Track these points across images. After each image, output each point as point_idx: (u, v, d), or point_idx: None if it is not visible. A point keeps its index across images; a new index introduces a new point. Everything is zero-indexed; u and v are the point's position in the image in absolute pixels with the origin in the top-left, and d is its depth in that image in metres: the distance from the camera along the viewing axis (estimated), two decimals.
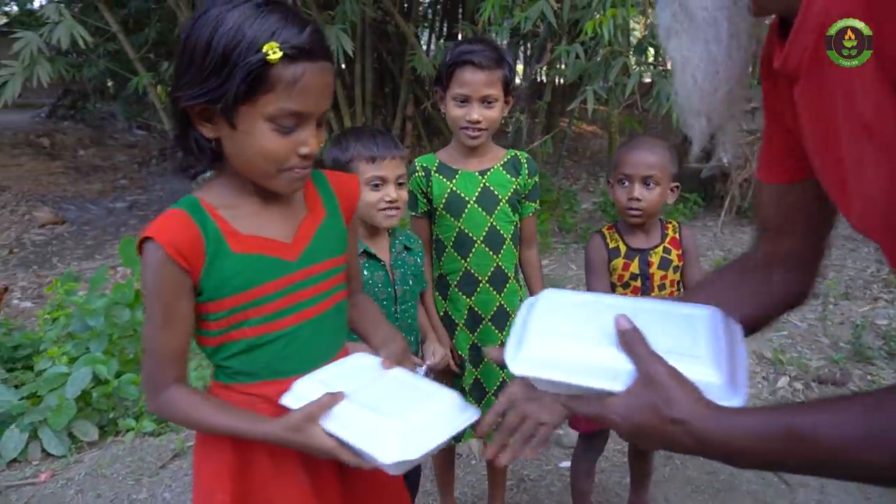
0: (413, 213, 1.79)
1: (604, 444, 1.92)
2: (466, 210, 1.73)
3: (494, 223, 1.74)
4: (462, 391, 1.80)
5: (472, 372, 1.80)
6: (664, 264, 1.71)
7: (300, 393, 0.99)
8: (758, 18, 0.77)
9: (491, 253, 1.76)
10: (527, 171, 1.79)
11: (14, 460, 2.48)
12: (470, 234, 1.74)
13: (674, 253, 1.72)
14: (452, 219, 1.74)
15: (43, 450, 2.50)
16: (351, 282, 1.18)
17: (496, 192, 1.74)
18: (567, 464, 2.33)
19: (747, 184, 5.59)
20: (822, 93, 0.70)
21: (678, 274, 1.73)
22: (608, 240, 1.76)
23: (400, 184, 1.56)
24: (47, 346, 3.10)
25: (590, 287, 1.79)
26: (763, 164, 0.94)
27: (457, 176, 1.74)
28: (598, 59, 4.18)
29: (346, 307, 1.16)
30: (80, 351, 2.99)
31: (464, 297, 1.77)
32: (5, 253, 6.46)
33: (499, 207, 1.74)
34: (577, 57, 4.22)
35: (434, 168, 1.75)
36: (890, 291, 4.08)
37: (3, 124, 9.84)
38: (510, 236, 1.77)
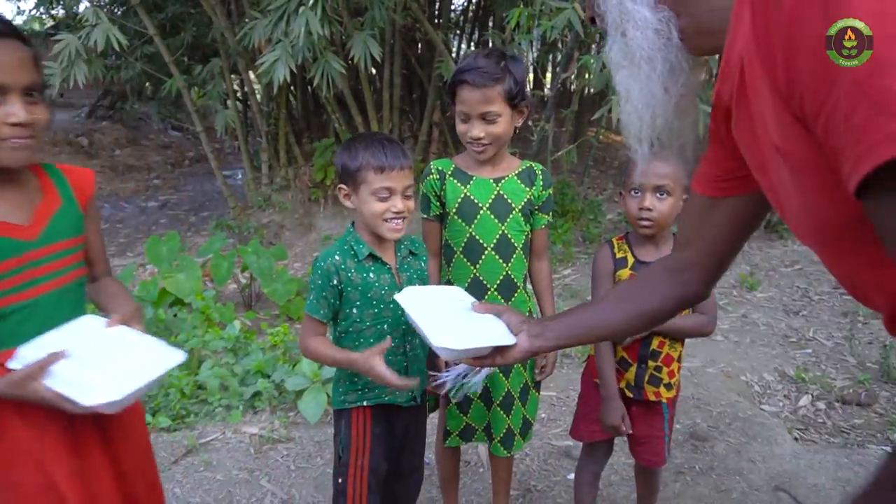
0: (425, 216, 1.79)
1: (607, 455, 1.90)
2: (479, 216, 1.73)
3: (506, 231, 1.74)
4: (464, 401, 1.79)
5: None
6: None
7: (24, 356, 1.15)
8: (703, 57, 0.86)
9: (501, 261, 1.75)
10: (541, 183, 1.78)
11: None
12: (481, 241, 1.74)
13: None
14: (464, 224, 1.74)
15: None
16: (96, 265, 1.40)
17: (510, 201, 1.74)
18: None
19: None
20: (749, 123, 0.76)
21: None
22: (616, 249, 1.74)
23: (407, 195, 1.54)
24: None
25: (593, 295, 1.78)
26: (700, 179, 1.03)
27: (471, 182, 1.74)
28: None
29: (84, 283, 1.35)
30: None
31: None
32: None
33: (511, 216, 1.74)
34: (604, 66, 4.19)
35: (449, 172, 1.75)
36: None
37: None
38: (521, 246, 1.77)
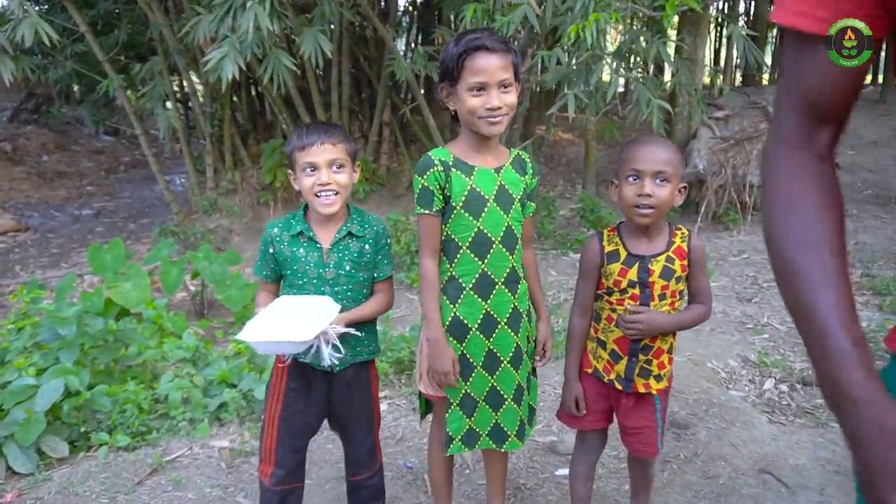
0: (425, 211, 1.63)
1: (602, 446, 1.85)
2: (486, 209, 1.63)
3: (510, 223, 1.66)
4: (467, 400, 1.71)
5: (486, 379, 1.70)
6: (666, 273, 1.63)
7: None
8: None
9: (507, 253, 1.67)
10: (531, 171, 1.72)
11: None
12: (489, 235, 1.64)
13: (678, 263, 1.64)
14: (471, 218, 1.63)
15: (8, 468, 2.33)
16: None
17: (510, 191, 1.66)
18: (564, 472, 2.26)
19: (722, 190, 5.64)
20: None
21: (681, 284, 1.66)
22: (606, 242, 1.68)
23: (338, 168, 1.64)
24: (12, 356, 2.93)
25: (577, 289, 1.74)
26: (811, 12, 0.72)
27: (474, 173, 1.63)
28: (580, 62, 4.16)
29: None
30: (48, 361, 2.81)
31: (479, 300, 1.66)
32: None
33: (513, 207, 1.66)
34: (559, 62, 4.19)
35: (451, 162, 1.63)
36: (866, 294, 4.12)
37: None
38: (520, 236, 1.70)
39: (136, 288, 4.00)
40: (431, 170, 1.62)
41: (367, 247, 1.69)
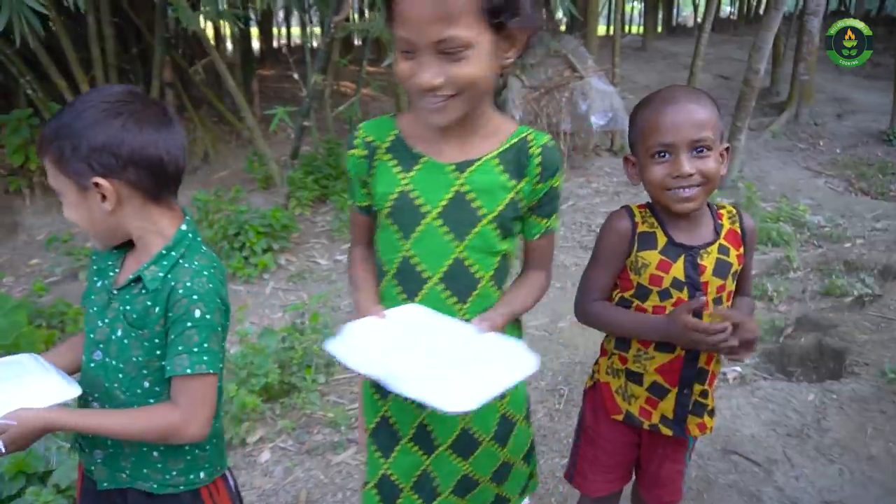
0: (350, 202, 1.16)
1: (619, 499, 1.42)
2: (420, 228, 1.02)
3: (464, 256, 1.03)
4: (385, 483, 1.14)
5: (419, 458, 1.12)
6: (721, 269, 1.17)
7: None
8: None
9: (452, 299, 1.04)
10: (538, 170, 1.03)
11: None
12: (419, 269, 1.03)
13: (733, 253, 1.19)
14: (398, 236, 1.04)
15: None
16: None
17: (475, 204, 1.02)
18: None
19: None
20: None
21: (735, 282, 1.22)
22: (638, 219, 1.18)
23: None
24: None
25: (587, 280, 1.23)
26: None
27: (418, 166, 1.03)
28: None
29: None
30: None
31: None
32: None
33: (476, 231, 1.02)
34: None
35: (385, 144, 1.05)
36: None
37: None
38: (488, 276, 1.05)
39: None
40: (350, 152, 1.08)
41: (156, 309, 0.96)
